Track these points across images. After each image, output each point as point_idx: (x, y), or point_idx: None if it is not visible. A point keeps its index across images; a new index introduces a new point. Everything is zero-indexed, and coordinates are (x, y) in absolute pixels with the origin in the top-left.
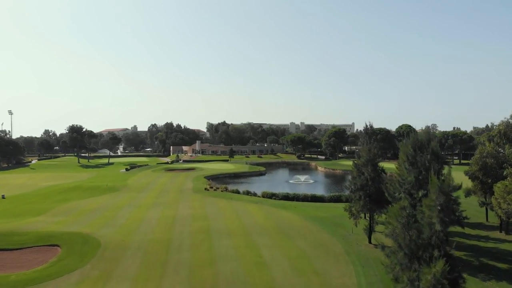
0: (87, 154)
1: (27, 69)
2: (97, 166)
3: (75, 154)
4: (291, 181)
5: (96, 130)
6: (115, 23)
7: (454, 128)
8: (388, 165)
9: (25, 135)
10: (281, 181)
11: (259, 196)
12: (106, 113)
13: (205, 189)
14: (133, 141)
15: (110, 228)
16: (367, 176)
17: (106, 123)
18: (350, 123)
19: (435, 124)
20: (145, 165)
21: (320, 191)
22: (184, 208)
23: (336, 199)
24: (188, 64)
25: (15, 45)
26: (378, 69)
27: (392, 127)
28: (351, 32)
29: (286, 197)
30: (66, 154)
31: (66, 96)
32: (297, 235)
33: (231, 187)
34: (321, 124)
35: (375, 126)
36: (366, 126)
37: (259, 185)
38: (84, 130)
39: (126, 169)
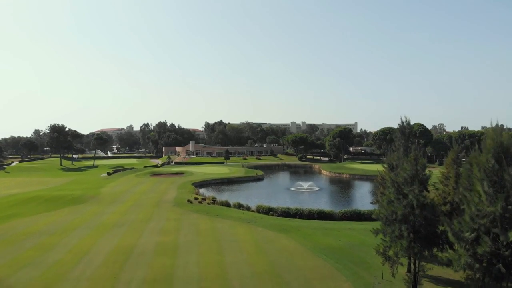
0: (76, 156)
1: (29, 69)
2: (79, 169)
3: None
4: (292, 189)
5: (94, 129)
6: (115, 22)
7: (462, 127)
8: None
9: (23, 135)
10: (280, 188)
11: (253, 211)
12: (108, 112)
13: (188, 201)
14: (126, 141)
15: (32, 270)
16: (413, 200)
17: (107, 123)
18: (353, 122)
19: (442, 124)
20: (131, 168)
21: (327, 203)
22: (152, 233)
23: (349, 217)
24: (189, 64)
25: (15, 44)
26: (380, 68)
27: (395, 127)
28: (352, 31)
29: (287, 213)
30: (52, 156)
31: (66, 96)
32: (301, 286)
33: (221, 196)
34: (322, 123)
35: (377, 126)
36: (402, 123)
37: (255, 193)
38: (67, 129)
39: (108, 173)
